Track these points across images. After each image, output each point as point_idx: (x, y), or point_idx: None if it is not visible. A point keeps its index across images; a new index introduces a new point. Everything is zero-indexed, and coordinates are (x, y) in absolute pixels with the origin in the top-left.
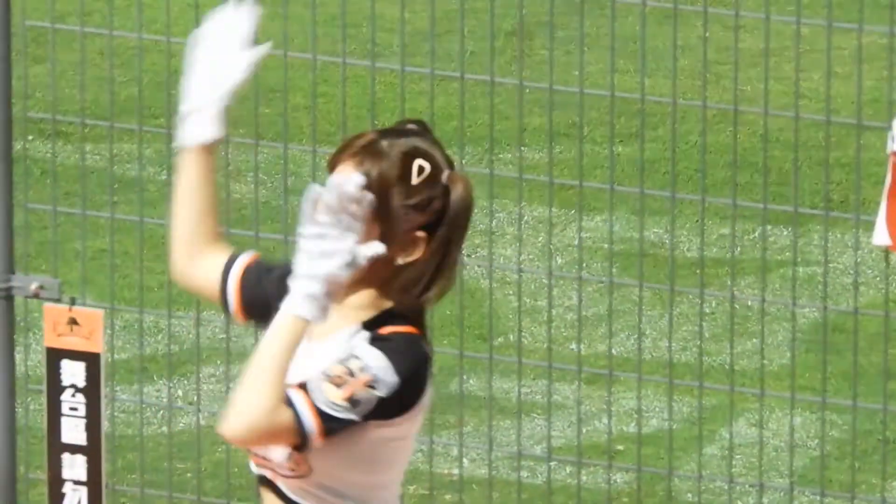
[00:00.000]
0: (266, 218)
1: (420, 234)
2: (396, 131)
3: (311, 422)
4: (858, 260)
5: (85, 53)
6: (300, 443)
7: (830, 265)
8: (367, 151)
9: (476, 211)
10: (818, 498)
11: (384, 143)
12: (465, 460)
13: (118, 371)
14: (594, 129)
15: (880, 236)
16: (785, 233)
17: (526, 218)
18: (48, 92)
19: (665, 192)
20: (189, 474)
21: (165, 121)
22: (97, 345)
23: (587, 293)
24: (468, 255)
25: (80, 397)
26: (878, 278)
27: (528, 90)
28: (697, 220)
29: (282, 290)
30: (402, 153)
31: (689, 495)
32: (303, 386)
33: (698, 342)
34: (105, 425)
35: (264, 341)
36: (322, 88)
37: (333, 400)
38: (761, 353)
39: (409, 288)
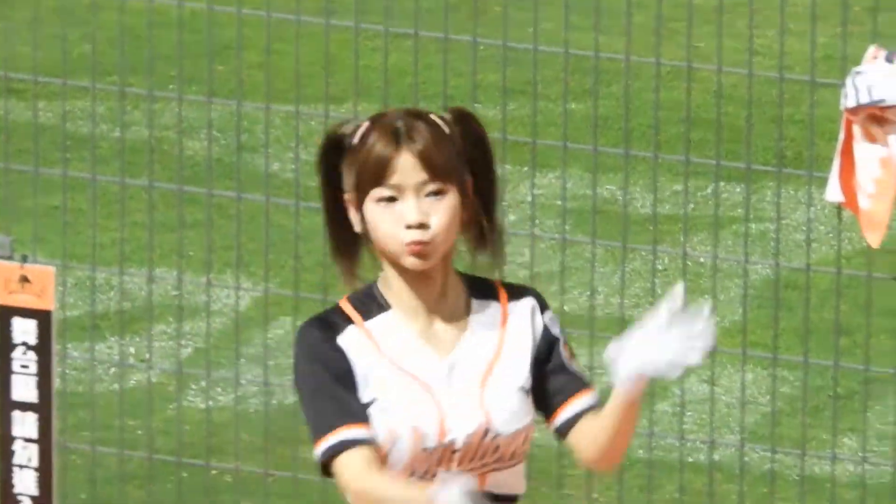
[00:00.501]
0: (219, 175)
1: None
2: (390, 113)
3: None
4: (811, 216)
5: (38, 11)
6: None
7: (783, 222)
8: (418, 127)
9: None
10: (769, 454)
11: (413, 115)
12: None
13: (70, 328)
14: (548, 86)
15: (833, 192)
16: (738, 189)
17: None
18: (0, 49)
19: (618, 150)
20: (140, 431)
21: (118, 78)
22: (49, 302)
23: (540, 250)
24: None
25: (32, 355)
26: (830, 235)
27: (482, 47)
28: (650, 177)
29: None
30: (425, 114)
31: (641, 451)
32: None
33: (651, 299)
34: (56, 383)
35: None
36: (276, 45)
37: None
38: (713, 310)
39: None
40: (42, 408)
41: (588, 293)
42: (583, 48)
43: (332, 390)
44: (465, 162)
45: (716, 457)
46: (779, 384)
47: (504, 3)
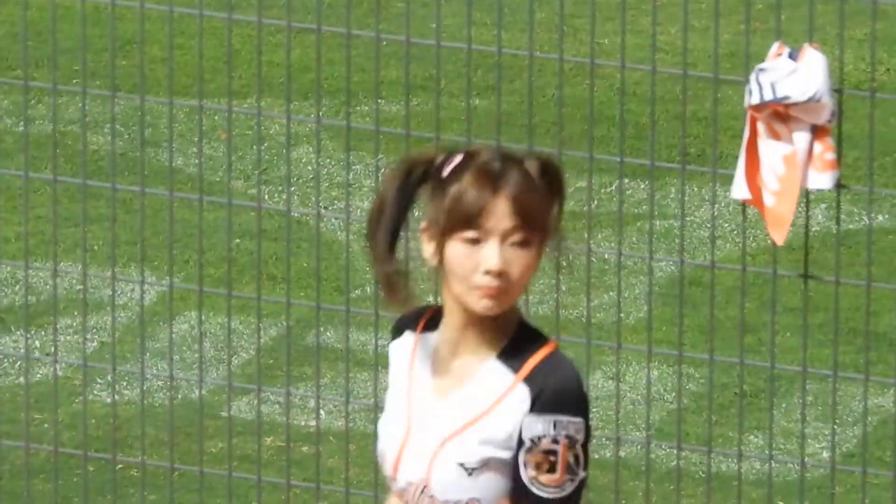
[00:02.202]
0: (123, 170)
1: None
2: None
3: None
4: (715, 214)
5: None
6: None
7: (687, 219)
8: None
9: (332, 163)
10: (675, 451)
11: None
12: (321, 412)
13: None
14: (451, 81)
15: (738, 190)
16: (642, 186)
17: (383, 170)
18: None
19: (522, 146)
20: (46, 425)
21: (21, 72)
22: None
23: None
24: (325, 208)
25: None
26: (734, 232)
27: (384, 43)
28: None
29: None
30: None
31: None
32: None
33: (555, 295)
34: None
35: None
36: (179, 40)
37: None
38: (618, 307)
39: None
40: None
41: None
42: (486, 44)
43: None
44: (548, 215)
45: (622, 453)
46: (684, 381)
47: (406, 0)
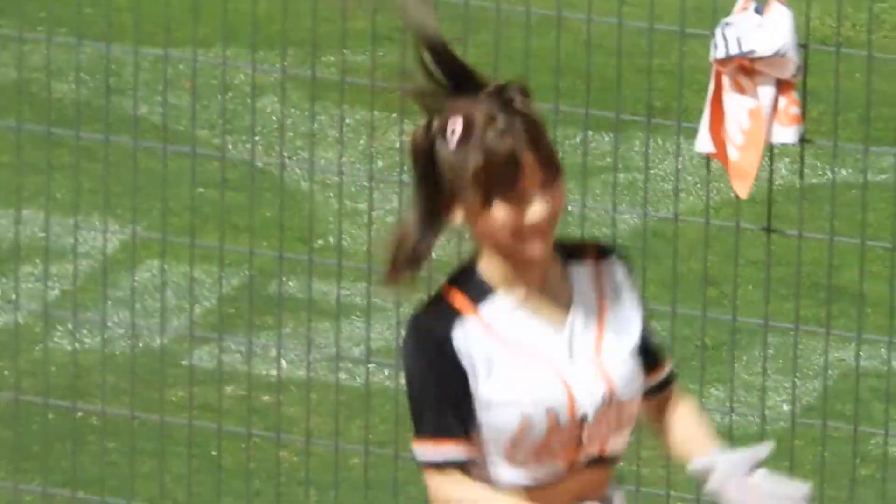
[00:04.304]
0: (87, 117)
1: None
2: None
3: None
4: (679, 167)
5: None
6: None
7: (651, 172)
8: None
9: (297, 113)
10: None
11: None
12: (283, 362)
13: None
14: None
15: (703, 143)
16: (607, 139)
17: (347, 120)
18: None
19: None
20: (7, 373)
21: None
22: None
23: (408, 196)
24: (289, 158)
25: None
26: (698, 185)
27: None
28: None
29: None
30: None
31: None
32: None
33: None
34: None
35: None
36: None
37: None
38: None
39: None
40: None
41: (455, 239)
42: None
43: (440, 399)
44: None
45: None
46: None
47: None
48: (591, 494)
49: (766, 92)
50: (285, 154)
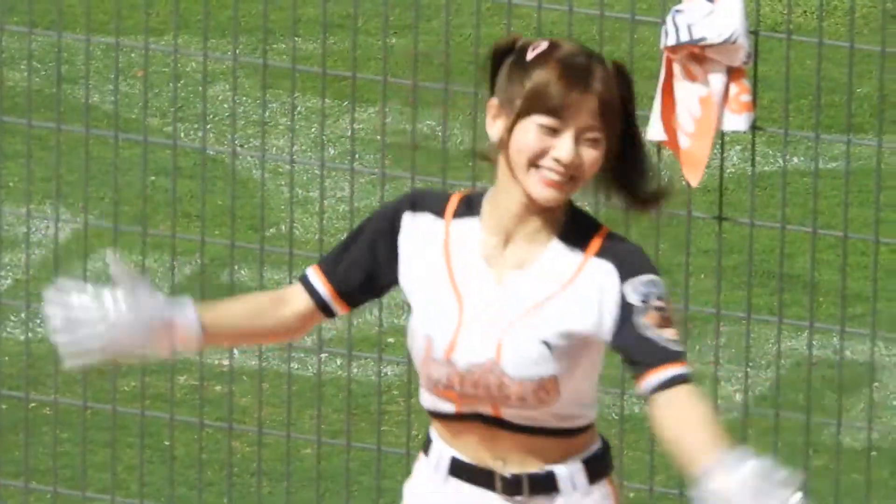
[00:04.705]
0: (39, 106)
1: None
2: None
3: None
4: None
5: None
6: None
7: None
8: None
9: (249, 101)
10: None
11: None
12: (234, 351)
13: None
14: (368, 20)
15: (654, 131)
16: None
17: (299, 108)
18: None
19: (439, 84)
20: None
21: None
22: None
23: (359, 185)
24: (241, 146)
25: None
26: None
27: None
28: (470, 113)
29: (367, 261)
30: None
31: None
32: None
33: None
34: None
35: None
36: None
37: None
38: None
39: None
40: None
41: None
42: None
43: (347, 246)
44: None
45: None
46: None
47: None
48: (511, 457)
49: (717, 79)
50: (237, 142)
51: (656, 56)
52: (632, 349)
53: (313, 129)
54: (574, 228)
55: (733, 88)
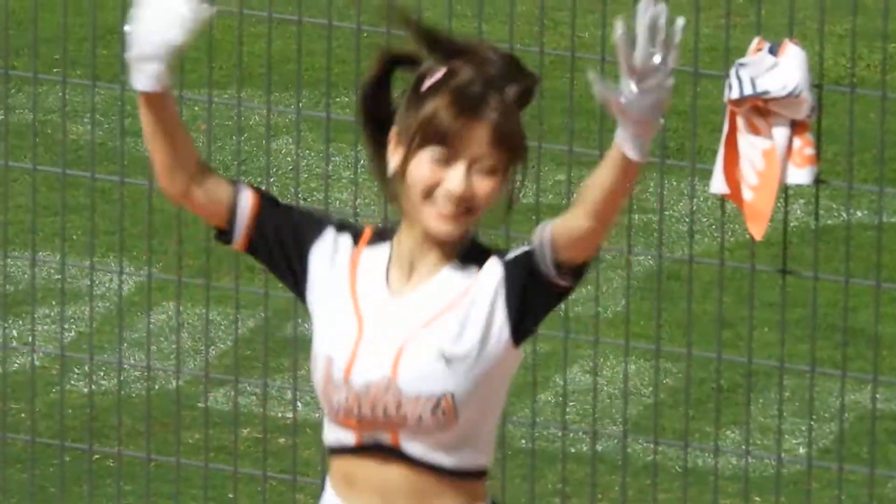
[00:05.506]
0: (102, 159)
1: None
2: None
3: None
4: (694, 208)
5: None
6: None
7: (666, 213)
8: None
9: (312, 155)
10: (651, 445)
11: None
12: (298, 404)
13: None
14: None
15: (717, 184)
16: None
17: (362, 162)
18: None
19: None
20: (23, 415)
21: (2, 61)
22: None
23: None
24: (304, 199)
25: None
26: (713, 226)
27: (365, 34)
28: (534, 166)
29: (299, 234)
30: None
31: (523, 441)
32: None
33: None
34: None
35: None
36: None
37: None
38: (596, 300)
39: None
40: None
41: None
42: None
43: (292, 208)
44: (519, 142)
45: (598, 447)
46: (661, 376)
47: None
48: (407, 499)
49: (781, 132)
50: (300, 195)
51: (719, 109)
52: (531, 262)
53: (376, 183)
54: (469, 256)
55: (797, 142)
